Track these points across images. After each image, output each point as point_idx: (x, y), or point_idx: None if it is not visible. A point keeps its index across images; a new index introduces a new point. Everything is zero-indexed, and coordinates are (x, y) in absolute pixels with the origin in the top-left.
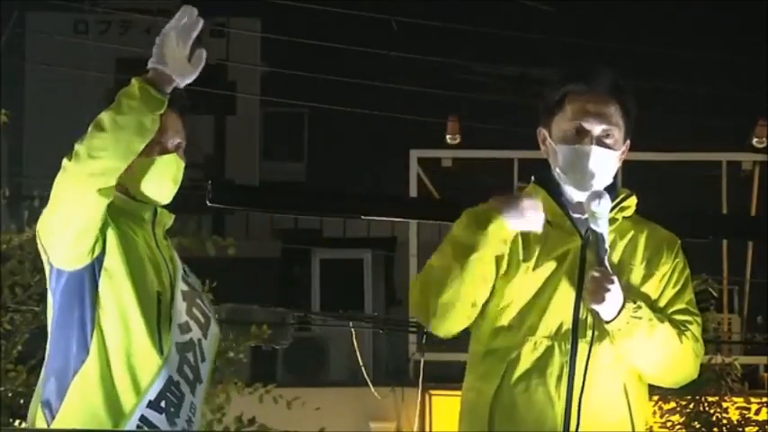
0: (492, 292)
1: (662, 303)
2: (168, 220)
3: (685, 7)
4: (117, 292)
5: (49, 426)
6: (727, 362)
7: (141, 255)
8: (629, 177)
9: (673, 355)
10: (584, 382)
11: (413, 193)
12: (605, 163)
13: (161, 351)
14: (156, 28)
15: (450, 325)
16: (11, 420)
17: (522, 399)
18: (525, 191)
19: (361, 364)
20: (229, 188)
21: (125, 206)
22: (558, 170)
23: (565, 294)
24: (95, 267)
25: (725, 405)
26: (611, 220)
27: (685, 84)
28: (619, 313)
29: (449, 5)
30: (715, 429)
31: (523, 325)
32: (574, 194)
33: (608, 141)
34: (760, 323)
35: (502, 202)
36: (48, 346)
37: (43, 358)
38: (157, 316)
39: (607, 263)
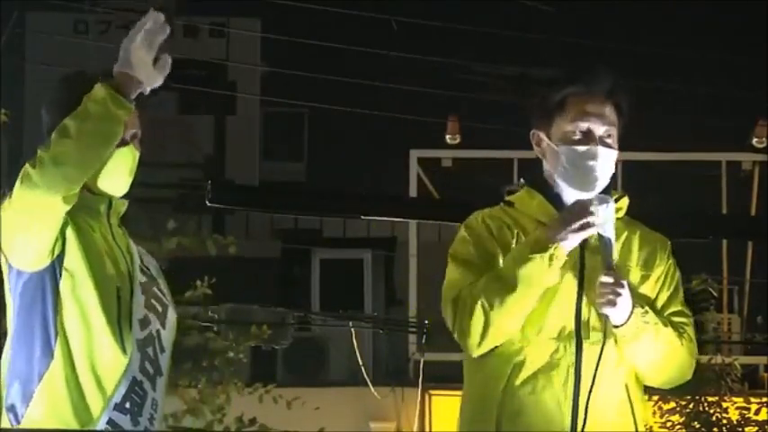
0: None
1: (658, 305)
2: (122, 207)
3: (685, 7)
4: (78, 291)
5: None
6: (726, 362)
7: (100, 250)
8: (630, 177)
9: (674, 356)
10: (592, 384)
11: (413, 193)
12: (608, 163)
13: (124, 350)
14: None
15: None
16: None
17: (529, 401)
18: (517, 195)
19: (360, 364)
20: (229, 188)
21: (82, 200)
22: (560, 171)
23: (567, 297)
24: (56, 267)
25: (725, 405)
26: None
27: (685, 84)
28: (629, 318)
29: (449, 5)
30: (715, 429)
31: (528, 327)
32: (570, 196)
33: (609, 141)
34: (760, 323)
35: (554, 230)
36: (7, 349)
37: None
38: (117, 312)
39: (613, 265)
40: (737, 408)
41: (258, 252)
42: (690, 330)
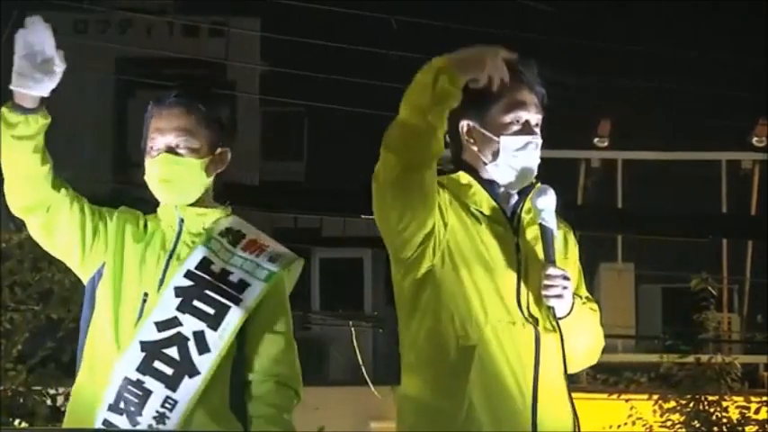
0: (441, 287)
1: (573, 288)
2: (197, 218)
3: (685, 7)
4: (103, 297)
5: None
6: (726, 361)
7: (137, 257)
8: (629, 177)
9: (596, 341)
10: (544, 372)
11: None
12: (539, 152)
13: (118, 350)
14: (156, 28)
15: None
16: (10, 420)
17: (494, 392)
18: (452, 176)
19: (361, 363)
20: (228, 188)
21: (159, 209)
22: (498, 161)
23: (509, 286)
24: (95, 274)
25: (725, 404)
26: (529, 210)
27: (685, 84)
28: (571, 309)
29: (449, 5)
30: (715, 428)
31: (480, 317)
32: (503, 183)
33: (538, 131)
34: (760, 322)
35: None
36: None
37: (43, 357)
38: (139, 316)
39: (555, 258)
40: (737, 407)
41: None
42: (598, 315)
